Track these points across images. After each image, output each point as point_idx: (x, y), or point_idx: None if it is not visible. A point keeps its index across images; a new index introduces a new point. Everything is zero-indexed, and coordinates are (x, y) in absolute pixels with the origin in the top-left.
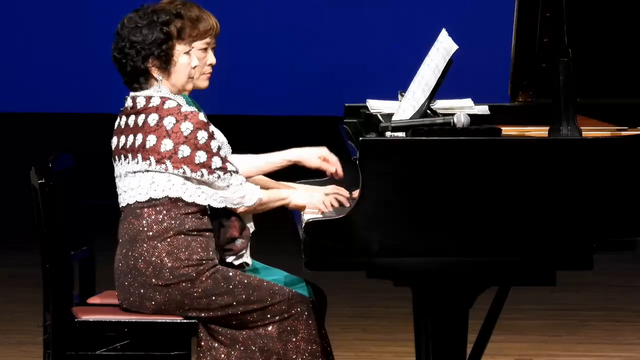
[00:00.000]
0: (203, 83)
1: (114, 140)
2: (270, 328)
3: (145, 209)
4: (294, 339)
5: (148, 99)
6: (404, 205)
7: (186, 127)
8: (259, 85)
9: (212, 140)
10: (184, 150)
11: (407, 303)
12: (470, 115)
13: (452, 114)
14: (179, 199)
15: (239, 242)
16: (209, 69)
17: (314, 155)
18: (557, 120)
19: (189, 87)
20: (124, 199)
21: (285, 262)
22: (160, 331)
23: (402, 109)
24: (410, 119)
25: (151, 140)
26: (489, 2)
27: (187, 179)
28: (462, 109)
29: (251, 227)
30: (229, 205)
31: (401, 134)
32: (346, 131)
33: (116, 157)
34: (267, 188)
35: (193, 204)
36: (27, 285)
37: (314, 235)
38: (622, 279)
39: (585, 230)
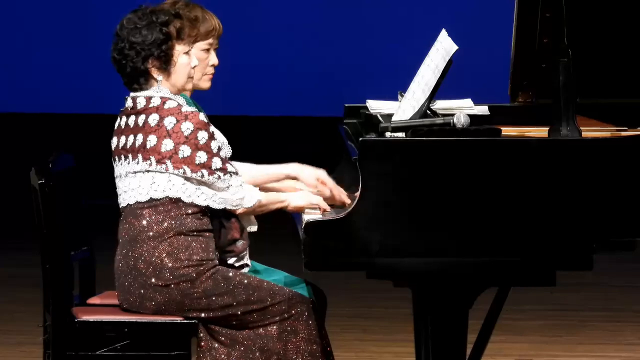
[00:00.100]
0: (205, 84)
1: (114, 140)
2: (270, 328)
3: (146, 209)
4: (294, 339)
5: (148, 99)
6: (403, 206)
7: (187, 127)
8: (258, 85)
9: (213, 141)
10: (185, 151)
11: (407, 303)
12: (470, 116)
13: (452, 115)
14: (179, 200)
15: (240, 243)
16: (211, 70)
17: (311, 176)
18: (557, 121)
19: (189, 87)
20: (124, 199)
21: (285, 262)
22: (160, 331)
23: (402, 109)
24: (410, 119)
25: (152, 140)
26: (489, 2)
27: (187, 179)
28: (461, 110)
29: (254, 228)
30: (228, 207)
31: (401, 135)
32: (346, 131)
33: (116, 158)
34: (267, 190)
35: (193, 205)
36: (27, 285)
37: (313, 236)
38: (622, 279)
39: (585, 230)
